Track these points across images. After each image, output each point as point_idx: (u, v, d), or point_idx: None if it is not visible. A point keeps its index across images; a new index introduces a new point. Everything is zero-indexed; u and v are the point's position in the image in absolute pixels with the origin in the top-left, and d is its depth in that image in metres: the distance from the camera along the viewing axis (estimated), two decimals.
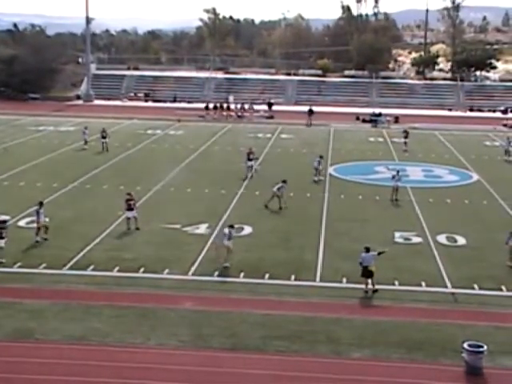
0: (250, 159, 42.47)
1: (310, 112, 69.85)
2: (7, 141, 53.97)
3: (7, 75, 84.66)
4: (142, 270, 25.54)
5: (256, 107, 75.73)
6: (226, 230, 26.48)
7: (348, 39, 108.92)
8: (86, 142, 51.90)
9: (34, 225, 29.02)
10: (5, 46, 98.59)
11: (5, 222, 27.69)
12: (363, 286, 23.91)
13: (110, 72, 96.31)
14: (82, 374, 17.85)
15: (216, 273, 25.30)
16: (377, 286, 24.01)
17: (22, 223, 30.96)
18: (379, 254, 24.31)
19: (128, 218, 30.37)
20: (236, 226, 27.78)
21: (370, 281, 23.84)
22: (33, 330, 20.33)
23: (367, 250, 24.08)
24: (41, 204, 29.40)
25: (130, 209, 30.39)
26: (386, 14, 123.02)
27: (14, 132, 58.21)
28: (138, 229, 30.27)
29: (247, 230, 30.54)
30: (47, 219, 28.98)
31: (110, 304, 22.36)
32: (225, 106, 74.94)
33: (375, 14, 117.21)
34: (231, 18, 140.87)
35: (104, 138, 50.68)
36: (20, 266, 25.53)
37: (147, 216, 32.88)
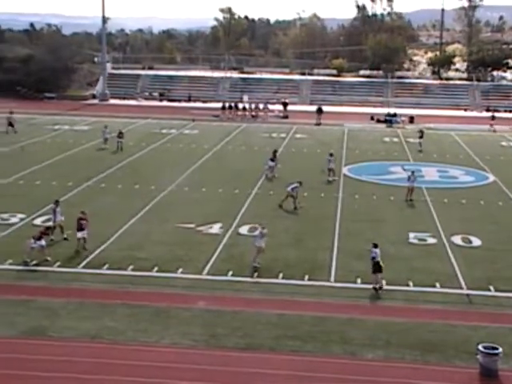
0: (272, 159, 42.34)
1: (319, 111, 69.96)
2: (23, 140, 54.22)
3: (24, 74, 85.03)
4: (155, 269, 25.60)
5: (270, 107, 75.65)
6: (258, 231, 26.85)
7: (363, 39, 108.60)
8: (105, 141, 52.09)
9: (50, 223, 29.17)
10: (22, 45, 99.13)
11: (49, 228, 27.98)
12: (374, 285, 23.89)
13: (126, 71, 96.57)
14: (95, 372, 17.92)
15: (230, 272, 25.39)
16: (391, 287, 24.02)
17: (37, 221, 31.12)
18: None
19: (78, 239, 27.40)
20: (250, 226, 27.75)
21: (380, 276, 23.89)
22: (47, 328, 20.44)
23: (375, 245, 24.32)
24: (57, 202, 29.54)
25: (81, 229, 27.37)
26: (399, 14, 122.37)
27: (30, 131, 58.48)
28: (85, 249, 27.36)
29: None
30: (63, 218, 29.10)
31: (123, 303, 22.43)
32: (239, 105, 74.95)
33: (389, 14, 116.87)
34: (246, 17, 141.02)
35: (120, 137, 50.90)
36: (35, 264, 25.66)
37: (161, 215, 33.02)
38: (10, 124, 57.56)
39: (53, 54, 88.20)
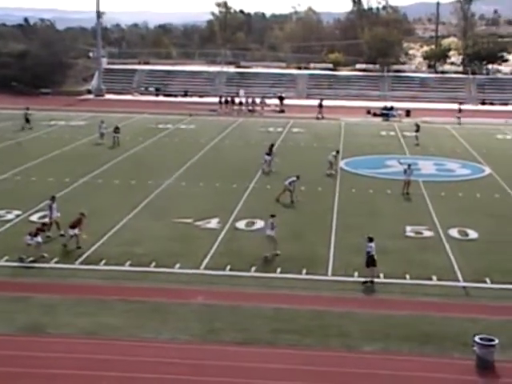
0: (268, 154, 42.38)
1: (321, 105, 70.06)
2: (20, 135, 54.16)
3: (19, 70, 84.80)
4: (153, 264, 25.61)
5: (267, 101, 75.62)
6: (269, 221, 26.97)
7: (359, 32, 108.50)
8: (102, 136, 52.03)
9: (46, 219, 29.15)
10: (16, 40, 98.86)
11: (45, 224, 27.97)
12: (370, 278, 23.96)
13: (121, 66, 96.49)
14: (93, 368, 17.94)
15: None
16: (388, 280, 24.11)
17: (34, 218, 31.10)
18: None
19: (71, 236, 27.06)
20: (247, 220, 27.72)
21: (375, 270, 23.96)
22: (45, 325, 20.45)
23: (370, 239, 24.29)
24: (53, 198, 29.49)
25: (76, 226, 27.07)
26: (394, 7, 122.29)
27: (26, 127, 58.27)
28: (79, 247, 27.11)
29: (258, 224, 30.54)
30: (59, 214, 29.06)
31: (121, 298, 22.44)
32: (236, 100, 74.90)
33: (384, 8, 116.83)
34: (242, 11, 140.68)
35: (116, 132, 50.91)
36: (32, 261, 25.62)
37: (159, 210, 33.01)
38: (27, 120, 57.74)
39: (47, 49, 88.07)
